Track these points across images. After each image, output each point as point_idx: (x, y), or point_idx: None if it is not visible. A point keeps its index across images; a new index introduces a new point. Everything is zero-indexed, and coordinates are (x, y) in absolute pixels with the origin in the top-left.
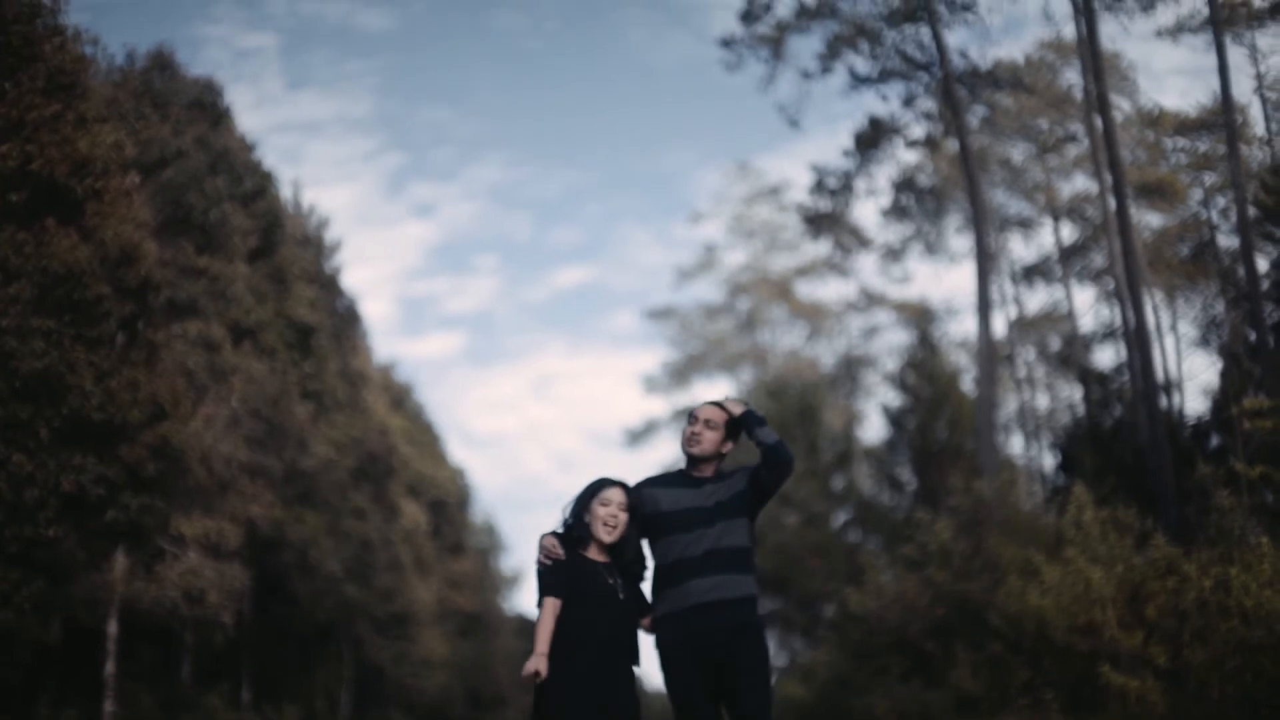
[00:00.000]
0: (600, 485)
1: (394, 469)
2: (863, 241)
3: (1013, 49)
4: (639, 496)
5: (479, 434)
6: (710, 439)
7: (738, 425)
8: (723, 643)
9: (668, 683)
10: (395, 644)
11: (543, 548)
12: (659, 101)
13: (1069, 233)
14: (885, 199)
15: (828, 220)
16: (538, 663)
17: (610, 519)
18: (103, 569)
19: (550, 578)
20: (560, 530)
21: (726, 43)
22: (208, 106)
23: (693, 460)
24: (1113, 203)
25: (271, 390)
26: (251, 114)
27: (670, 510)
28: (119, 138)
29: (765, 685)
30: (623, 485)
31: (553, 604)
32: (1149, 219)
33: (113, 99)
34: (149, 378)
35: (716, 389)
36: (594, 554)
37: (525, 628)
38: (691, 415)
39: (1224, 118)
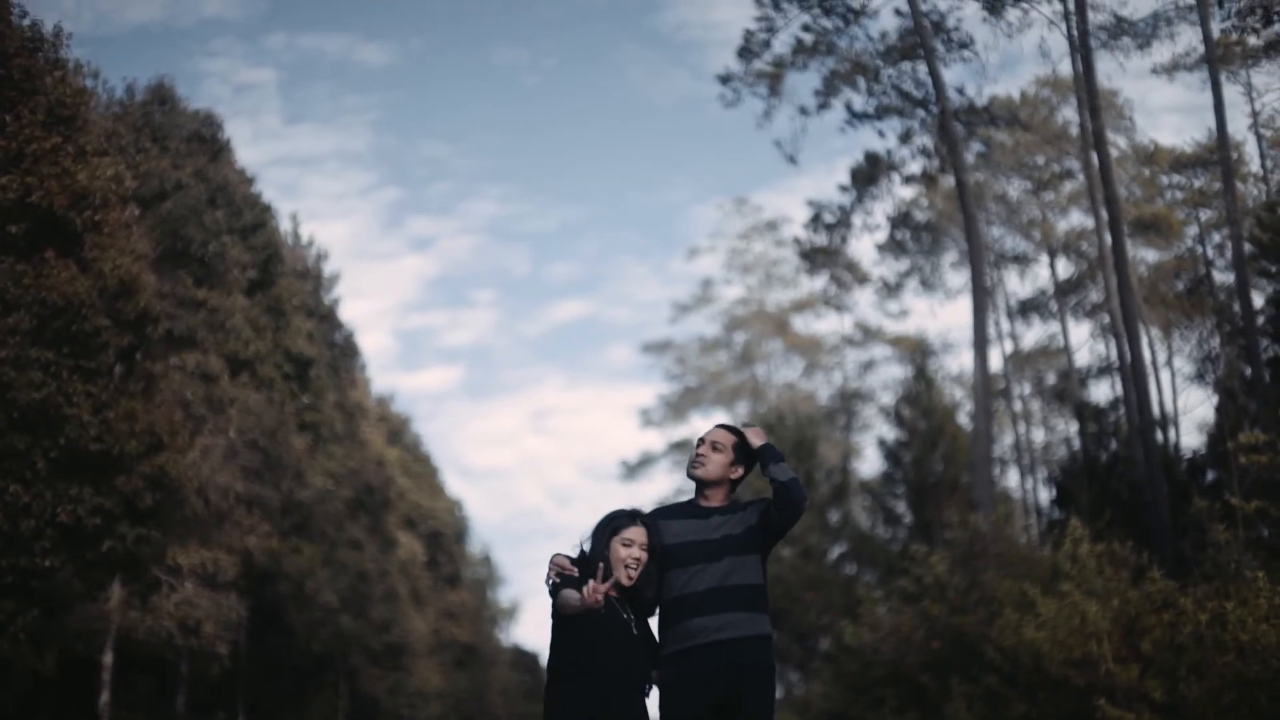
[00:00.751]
0: (623, 522)
1: (391, 501)
2: (859, 276)
3: (1010, 86)
4: (658, 533)
5: (476, 467)
6: (717, 462)
7: (752, 454)
8: (728, 684)
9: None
10: (391, 675)
11: (554, 565)
12: (656, 137)
13: (1065, 268)
14: (882, 234)
15: (824, 255)
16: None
17: (632, 562)
18: (98, 599)
19: (563, 585)
20: (575, 556)
21: (724, 79)
22: (207, 140)
23: (699, 486)
24: (1109, 238)
25: (269, 422)
26: (250, 148)
27: (673, 543)
28: (118, 170)
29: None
30: (646, 523)
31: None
32: (1145, 254)
33: (113, 132)
34: (146, 409)
35: (713, 422)
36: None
37: (521, 659)
38: (700, 439)
39: (1219, 154)
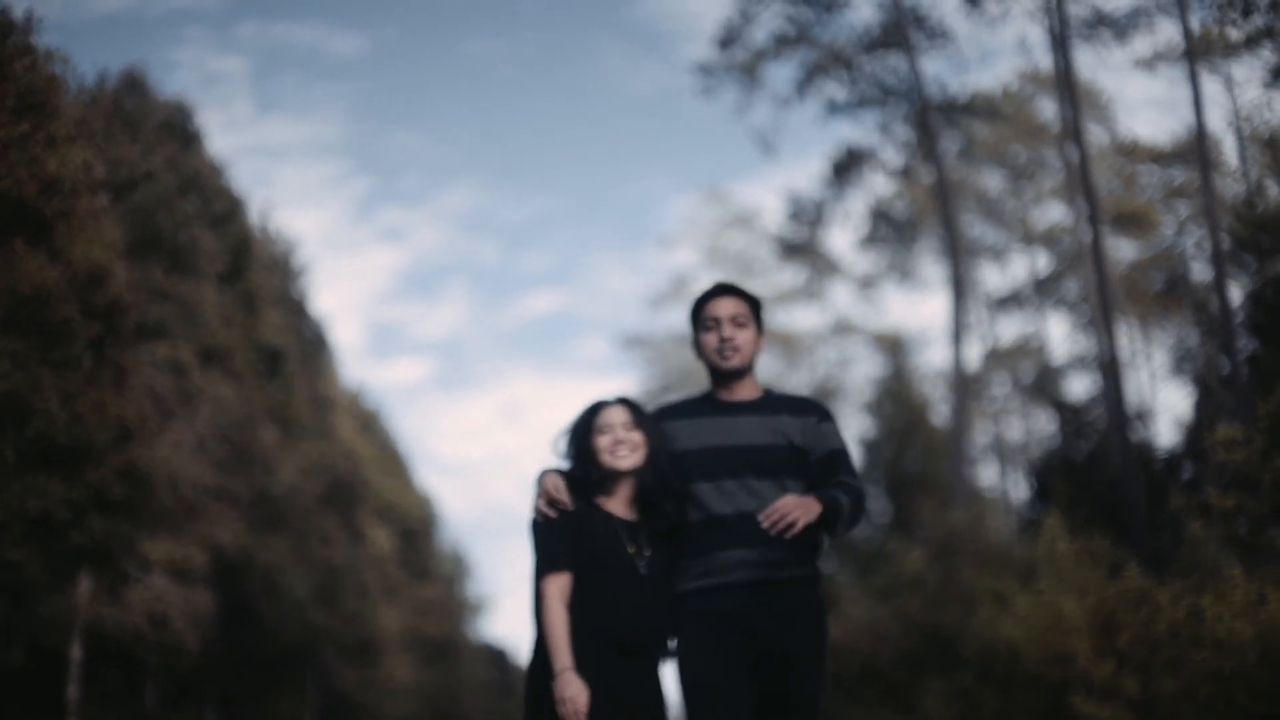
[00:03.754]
0: (594, 410)
1: (362, 494)
2: (837, 270)
3: (989, 79)
4: (658, 428)
5: (447, 460)
6: (748, 342)
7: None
8: (764, 630)
9: (683, 677)
10: (362, 670)
11: (543, 492)
12: (631, 128)
13: (1044, 262)
14: (860, 227)
15: (802, 248)
16: (575, 689)
17: (615, 446)
18: (67, 592)
19: (556, 540)
20: (566, 471)
21: (702, 69)
22: (178, 128)
23: (723, 376)
24: (1087, 233)
25: (239, 414)
26: (220, 137)
27: (691, 449)
28: (88, 158)
29: (816, 691)
30: (625, 402)
31: (562, 584)
32: (1123, 249)
33: (83, 119)
34: (116, 400)
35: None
36: (616, 506)
37: (493, 656)
38: (708, 316)
39: (1198, 149)
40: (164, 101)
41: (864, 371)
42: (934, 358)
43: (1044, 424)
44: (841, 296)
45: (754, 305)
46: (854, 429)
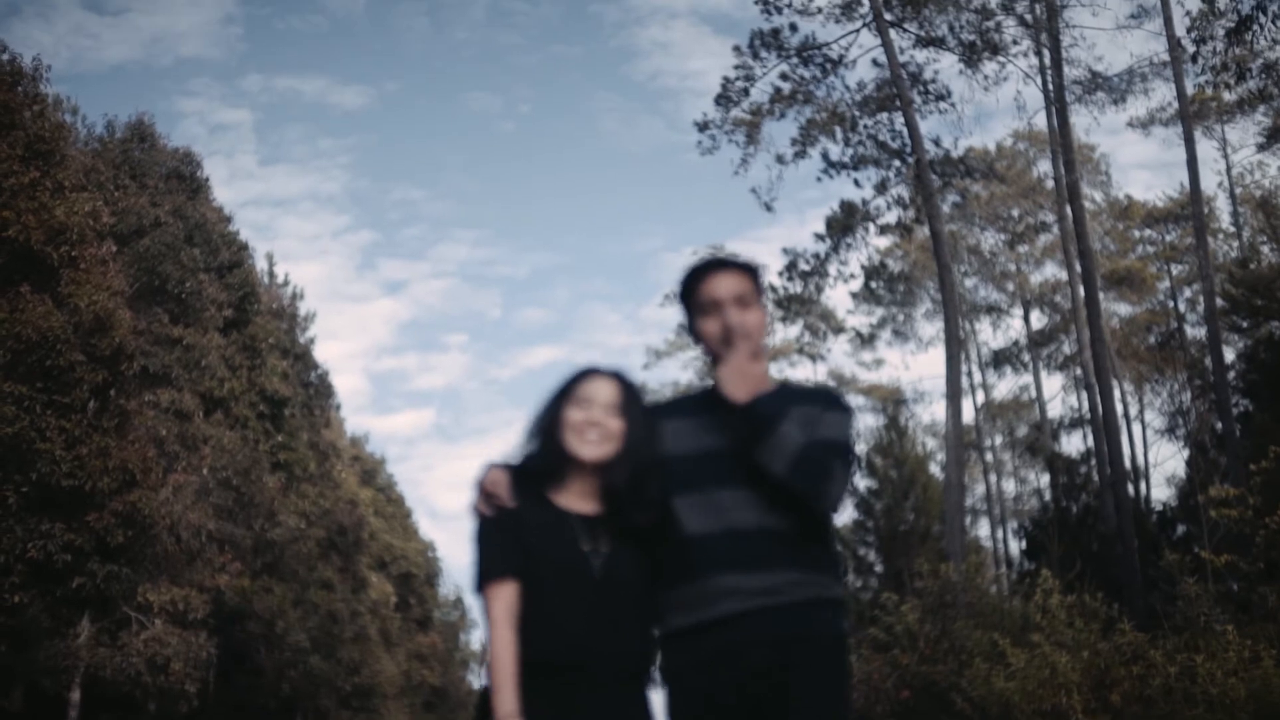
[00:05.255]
0: (579, 376)
1: (363, 542)
2: (834, 325)
3: (986, 138)
4: (649, 414)
5: (447, 509)
6: (756, 325)
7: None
8: (766, 674)
9: None
10: (360, 717)
11: (482, 485)
12: (630, 185)
13: (1038, 320)
14: (857, 284)
15: (799, 304)
16: None
17: (588, 429)
18: (67, 636)
19: (496, 543)
20: (520, 463)
21: (702, 126)
22: (185, 178)
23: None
24: (1082, 291)
25: (242, 461)
26: (226, 188)
27: (676, 454)
28: (96, 206)
29: None
30: (617, 376)
31: (506, 597)
32: (1118, 308)
33: (92, 168)
34: (119, 445)
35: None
36: (572, 499)
37: None
38: (705, 299)
39: (1192, 210)
40: (172, 150)
41: (859, 426)
42: (929, 413)
43: (1038, 479)
44: (838, 352)
45: (756, 277)
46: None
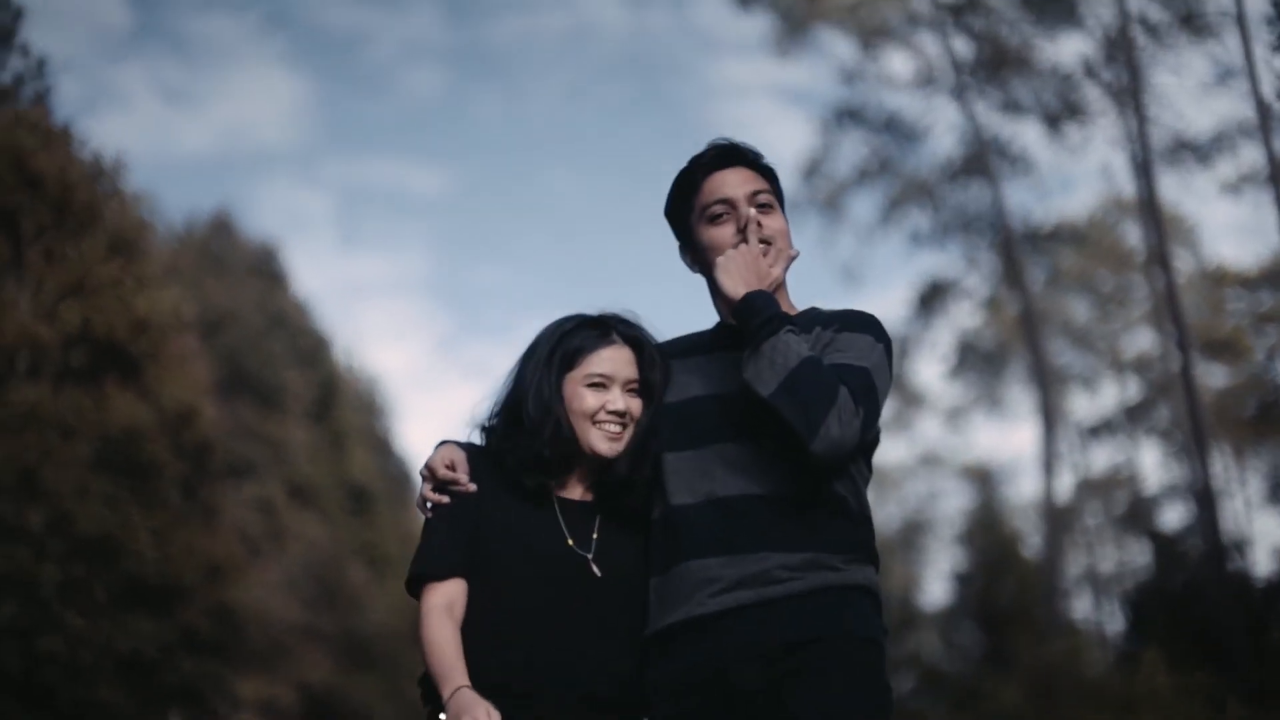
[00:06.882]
0: (584, 339)
1: None
2: (924, 401)
3: (1073, 205)
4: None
5: None
6: (781, 234)
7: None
8: (754, 701)
9: None
10: None
11: (430, 469)
12: None
13: (1134, 390)
14: (947, 358)
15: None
16: (468, 701)
17: (611, 420)
18: None
19: (441, 536)
20: (481, 435)
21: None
22: (266, 270)
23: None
24: (1177, 359)
25: (328, 552)
26: (304, 274)
27: (675, 401)
28: (177, 299)
29: None
30: (637, 335)
31: (447, 595)
32: (1214, 375)
33: (172, 264)
34: (206, 539)
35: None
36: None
37: None
38: (711, 198)
39: None
40: (252, 243)
41: (954, 504)
42: (1024, 488)
43: (1138, 554)
44: (930, 428)
45: (775, 179)
46: (945, 562)
